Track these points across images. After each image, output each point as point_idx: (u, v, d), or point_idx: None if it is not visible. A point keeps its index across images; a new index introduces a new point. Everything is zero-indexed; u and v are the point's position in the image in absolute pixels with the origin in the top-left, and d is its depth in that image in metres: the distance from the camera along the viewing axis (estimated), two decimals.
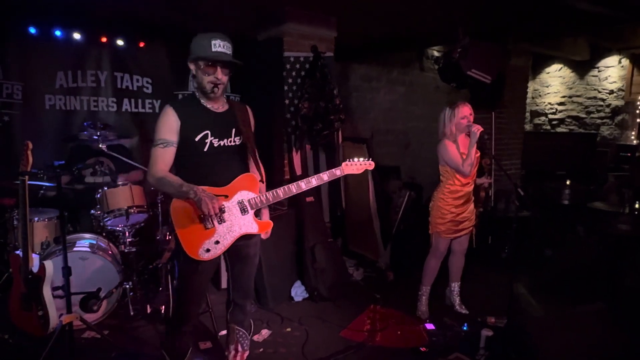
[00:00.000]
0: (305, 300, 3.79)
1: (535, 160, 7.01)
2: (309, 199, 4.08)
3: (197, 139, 2.17)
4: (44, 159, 3.92)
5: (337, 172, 2.38)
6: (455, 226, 3.34)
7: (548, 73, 8.24)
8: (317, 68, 4.12)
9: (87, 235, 3.55)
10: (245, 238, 2.33)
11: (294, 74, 4.20)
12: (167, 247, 2.30)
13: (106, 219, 3.46)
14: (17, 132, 4.14)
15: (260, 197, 2.28)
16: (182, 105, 2.19)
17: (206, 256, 2.17)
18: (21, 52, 4.07)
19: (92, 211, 3.63)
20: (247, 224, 2.28)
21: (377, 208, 4.68)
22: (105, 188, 3.46)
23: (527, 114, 8.47)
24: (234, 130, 2.28)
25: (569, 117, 7.92)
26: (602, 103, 7.42)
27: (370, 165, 2.46)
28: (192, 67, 2.16)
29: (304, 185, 2.32)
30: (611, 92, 7.25)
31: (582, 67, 7.58)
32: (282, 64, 4.16)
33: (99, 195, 3.49)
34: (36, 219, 3.49)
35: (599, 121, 7.47)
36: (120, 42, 4.38)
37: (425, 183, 5.75)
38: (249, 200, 2.26)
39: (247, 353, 2.67)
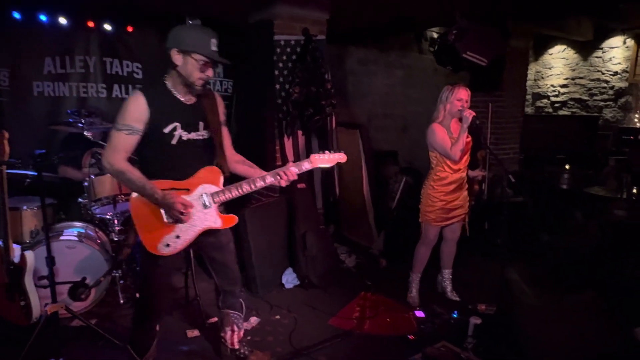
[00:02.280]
0: (296, 288, 3.78)
1: (535, 144, 6.90)
2: (301, 185, 4.03)
3: (166, 131, 2.10)
4: (33, 147, 3.92)
5: (306, 164, 2.30)
6: (446, 214, 3.28)
7: (551, 54, 8.06)
8: (308, 52, 4.02)
9: (77, 224, 3.53)
10: (213, 231, 2.28)
11: (284, 58, 4.11)
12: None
13: (94, 207, 3.44)
14: (4, 119, 4.09)
15: (223, 191, 2.20)
16: (153, 93, 2.09)
17: (166, 251, 2.13)
18: (6, 38, 4.00)
19: (80, 199, 3.60)
20: (210, 219, 2.21)
21: (371, 194, 4.63)
22: (93, 176, 3.42)
23: (529, 97, 8.33)
24: (202, 123, 2.21)
25: (571, 99, 7.77)
26: (605, 85, 7.26)
27: (342, 158, 2.36)
28: (178, 57, 2.06)
29: (270, 178, 2.23)
30: (615, 73, 7.08)
31: (586, 48, 7.40)
32: (272, 48, 4.06)
33: (86, 184, 3.46)
34: (25, 207, 3.46)
35: (602, 103, 7.32)
36: (108, 27, 4.29)
37: (424, 168, 5.64)
38: (211, 195, 2.19)
39: (242, 331, 2.70)
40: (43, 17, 4.01)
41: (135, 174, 2.06)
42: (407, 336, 2.96)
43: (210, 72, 2.10)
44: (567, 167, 5.45)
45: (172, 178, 2.13)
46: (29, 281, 2.55)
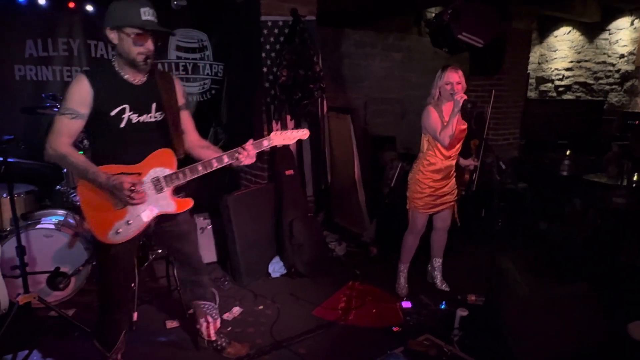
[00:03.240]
0: (282, 277, 3.69)
1: (537, 129, 6.72)
2: (289, 172, 3.92)
3: (112, 114, 1.98)
4: (17, 132, 3.83)
5: (265, 142, 2.17)
6: (434, 201, 3.16)
7: (556, 37, 7.82)
8: (296, 33, 3.87)
9: (60, 212, 3.44)
10: (170, 218, 2.18)
11: (272, 39, 3.96)
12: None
13: (72, 195, 3.35)
14: None
15: (177, 174, 2.08)
16: (98, 75, 1.99)
17: (117, 238, 2.03)
18: None
19: (59, 187, 3.51)
20: (163, 203, 2.10)
21: (362, 180, 4.51)
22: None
23: (533, 81, 8.12)
24: (154, 104, 2.09)
25: (576, 83, 7.55)
26: (611, 68, 7.03)
27: (304, 134, 2.25)
28: (113, 35, 1.95)
29: (226, 158, 2.11)
30: (622, 56, 6.85)
31: (592, 29, 7.16)
32: (259, 29, 3.91)
33: (65, 170, 3.36)
34: (4, 195, 3.39)
35: (607, 87, 7.11)
36: (89, 8, 4.15)
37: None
38: (164, 177, 2.07)
39: (218, 320, 2.62)
40: None
41: (77, 158, 1.97)
42: (392, 328, 2.87)
43: (149, 45, 1.95)
44: (567, 153, 5.28)
45: (123, 162, 2.02)
46: None
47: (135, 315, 2.90)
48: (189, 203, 2.17)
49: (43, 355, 2.62)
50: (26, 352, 2.57)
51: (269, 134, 4.05)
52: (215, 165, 2.10)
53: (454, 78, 2.95)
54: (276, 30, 3.97)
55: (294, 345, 2.72)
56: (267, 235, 3.79)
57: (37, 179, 3.75)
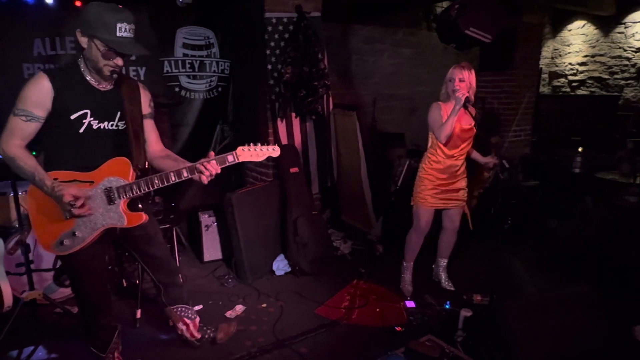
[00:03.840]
0: (286, 275, 3.68)
1: (550, 126, 6.59)
2: (294, 169, 3.90)
3: (73, 117, 1.89)
4: None
5: (230, 157, 2.00)
6: (438, 195, 3.10)
7: (570, 31, 7.65)
8: (301, 30, 3.84)
9: None
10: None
11: (276, 36, 3.94)
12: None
13: None
14: None
15: (131, 186, 1.97)
16: (61, 76, 1.88)
17: (59, 250, 1.94)
18: None
19: None
20: (113, 216, 1.98)
21: (369, 178, 4.47)
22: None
23: (546, 76, 7.97)
24: (119, 113, 2.01)
25: (590, 78, 7.38)
26: (627, 62, 6.86)
27: (273, 152, 2.07)
28: (83, 40, 1.85)
29: (186, 173, 1.98)
30: (638, 50, 6.68)
31: (608, 23, 6.98)
32: (263, 26, 3.89)
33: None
34: (12, 192, 3.43)
35: (622, 82, 6.93)
36: None
37: None
38: (117, 189, 1.97)
39: (197, 319, 2.58)
40: None
41: (27, 161, 1.87)
42: (395, 328, 2.84)
43: (118, 61, 1.87)
44: (580, 149, 5.16)
45: (77, 169, 1.94)
46: (0, 269, 2.50)
47: (138, 313, 2.92)
48: (142, 218, 2.04)
49: (48, 351, 2.66)
50: (31, 348, 2.61)
51: (274, 131, 4.09)
52: (173, 179, 1.99)
53: (457, 75, 2.91)
54: (280, 27, 3.94)
55: (296, 344, 2.71)
56: (272, 233, 3.78)
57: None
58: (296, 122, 4.16)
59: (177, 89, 4.73)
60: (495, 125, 5.70)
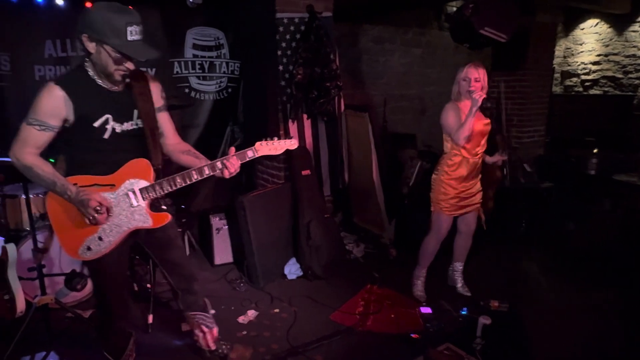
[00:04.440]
0: (299, 279, 3.64)
1: (564, 126, 6.49)
2: (305, 172, 3.85)
3: (96, 125, 1.86)
4: None
5: (249, 152, 2.01)
6: (459, 202, 3.04)
7: (582, 29, 7.54)
8: (312, 30, 3.79)
9: None
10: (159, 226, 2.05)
11: (288, 37, 3.89)
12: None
13: None
14: (7, 104, 4.04)
15: (153, 186, 1.94)
16: (73, 84, 1.82)
17: (88, 255, 1.90)
18: (4, 21, 3.90)
19: None
20: (139, 218, 1.95)
21: (381, 179, 4.41)
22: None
23: (558, 75, 7.86)
24: (135, 111, 1.97)
25: (603, 77, 7.27)
26: None
27: (291, 144, 2.10)
28: (91, 44, 1.78)
29: (207, 170, 1.98)
30: None
31: (621, 21, 6.86)
32: (274, 26, 3.84)
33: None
34: (24, 195, 3.41)
35: (637, 82, 6.81)
36: None
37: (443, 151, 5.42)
38: (140, 190, 1.94)
39: (215, 329, 2.52)
40: None
41: (44, 169, 1.82)
42: (411, 335, 2.78)
43: (130, 65, 1.82)
44: (595, 151, 5.07)
45: (101, 173, 1.91)
46: (12, 274, 2.48)
47: (150, 318, 2.89)
48: (167, 218, 2.03)
49: (60, 357, 2.63)
50: (44, 353, 2.58)
51: (285, 133, 4.05)
52: (195, 177, 1.97)
53: (473, 74, 2.84)
54: (292, 28, 3.89)
55: (311, 352, 2.66)
56: (284, 236, 3.74)
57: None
58: (307, 124, 4.11)
59: (187, 90, 4.70)
60: (498, 123, 5.61)
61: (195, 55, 4.78)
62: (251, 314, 3.09)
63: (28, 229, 3.32)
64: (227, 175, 1.99)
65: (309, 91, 3.84)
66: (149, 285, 3.24)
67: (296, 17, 3.87)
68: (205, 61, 4.84)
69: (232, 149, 2.01)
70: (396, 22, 6.30)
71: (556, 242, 4.27)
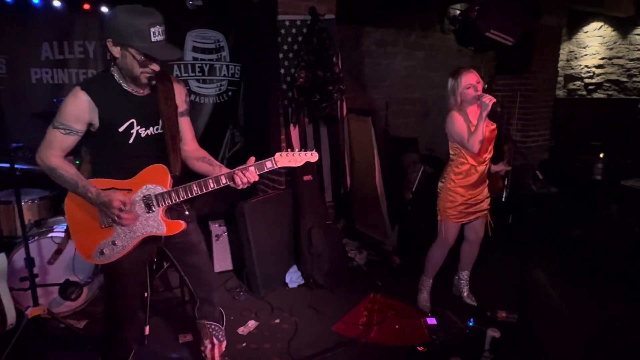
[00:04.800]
0: (300, 287, 3.54)
1: (568, 130, 6.41)
2: (307, 177, 3.76)
3: (121, 130, 1.86)
4: (36, 134, 3.80)
5: (268, 163, 1.94)
6: (467, 209, 2.95)
7: (586, 32, 7.47)
8: (315, 33, 3.71)
9: None
10: (182, 231, 2.01)
11: (289, 39, 3.81)
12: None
13: None
14: (3, 108, 3.97)
15: (169, 193, 1.92)
16: (99, 89, 1.83)
17: (101, 259, 1.90)
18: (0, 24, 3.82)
19: None
20: (153, 224, 1.93)
21: (383, 185, 4.33)
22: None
23: (561, 79, 7.78)
24: (160, 115, 1.95)
25: (607, 81, 7.19)
26: None
27: (312, 157, 2.02)
28: (115, 49, 1.77)
29: (224, 179, 1.92)
30: None
31: (626, 24, 6.80)
32: (276, 29, 3.76)
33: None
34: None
35: None
36: (104, 9, 4.05)
37: (445, 155, 5.32)
38: (156, 196, 1.92)
39: (224, 343, 2.45)
40: (35, 0, 3.80)
41: (68, 170, 1.85)
42: (417, 347, 2.69)
43: (155, 67, 1.81)
44: (601, 155, 4.98)
45: (122, 177, 1.91)
46: (2, 286, 2.39)
47: (147, 329, 2.79)
48: (180, 226, 1.99)
49: None
50: None
51: (286, 137, 3.96)
52: (212, 186, 1.93)
53: (473, 79, 2.76)
54: (294, 30, 3.81)
55: None
56: (285, 243, 3.65)
57: (54, 183, 3.68)
58: (309, 128, 4.03)
59: None
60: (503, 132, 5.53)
61: (195, 58, 4.70)
62: (251, 324, 2.99)
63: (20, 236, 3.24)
64: (240, 185, 1.93)
65: (311, 95, 3.75)
66: (145, 295, 3.15)
67: (298, 20, 3.80)
68: (205, 64, 4.76)
69: (252, 158, 1.96)
70: (399, 25, 6.23)
71: (563, 249, 4.18)
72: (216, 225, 3.75)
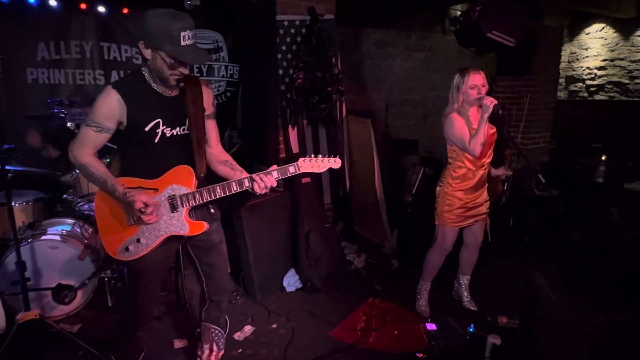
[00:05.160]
0: (298, 291, 3.49)
1: (569, 132, 6.37)
2: (305, 180, 3.71)
3: (147, 129, 1.90)
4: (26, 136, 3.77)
5: (291, 168, 1.99)
6: (465, 213, 2.90)
7: (588, 34, 7.42)
8: (314, 33, 3.66)
9: (69, 220, 3.30)
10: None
11: (288, 40, 3.76)
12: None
13: (80, 204, 3.22)
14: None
15: (194, 194, 1.96)
16: (129, 88, 1.89)
17: (125, 255, 1.95)
18: None
19: (65, 195, 3.38)
20: (176, 224, 1.98)
21: (383, 187, 4.28)
22: (78, 171, 3.19)
23: (562, 80, 7.74)
24: (187, 117, 1.99)
25: (609, 83, 7.14)
26: None
27: (335, 163, 2.04)
28: (147, 51, 1.82)
29: (247, 183, 1.96)
30: None
31: (627, 26, 6.75)
32: (274, 29, 3.72)
33: (72, 178, 3.23)
34: (12, 202, 3.27)
35: None
36: (101, 9, 4.02)
37: (446, 158, 5.27)
38: (180, 197, 1.96)
39: (222, 352, 2.44)
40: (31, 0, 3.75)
41: (98, 168, 1.91)
42: (416, 354, 2.64)
43: (184, 70, 1.86)
44: (603, 158, 4.94)
45: (148, 176, 1.96)
46: None
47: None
48: (203, 227, 2.03)
49: None
50: None
51: (284, 139, 3.92)
52: (234, 189, 1.97)
53: (479, 80, 2.71)
54: (293, 30, 3.77)
55: None
56: (282, 246, 3.59)
57: (48, 185, 3.65)
58: (308, 130, 3.99)
59: None
60: (505, 135, 5.49)
61: None
62: (247, 329, 2.94)
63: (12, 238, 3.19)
64: (258, 190, 1.96)
65: (310, 96, 3.71)
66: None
67: (297, 20, 3.75)
68: (204, 65, 4.71)
69: (274, 166, 1.99)
70: (399, 26, 6.18)
71: (564, 253, 4.13)
72: None
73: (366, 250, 4.17)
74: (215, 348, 2.36)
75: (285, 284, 3.51)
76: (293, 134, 3.89)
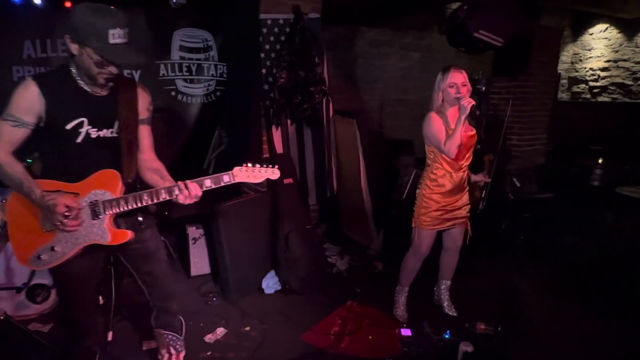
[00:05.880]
0: (276, 293, 3.44)
1: (570, 133, 6.23)
2: (287, 180, 3.67)
3: (68, 127, 1.78)
4: None
5: (225, 177, 1.87)
6: (442, 216, 2.82)
7: (591, 34, 7.27)
8: (297, 32, 3.61)
9: None
10: (138, 236, 1.95)
11: (272, 39, 3.72)
12: None
13: None
14: None
15: (118, 201, 1.84)
16: (51, 83, 1.77)
17: (36, 265, 1.82)
18: None
19: None
20: (97, 232, 1.84)
21: (370, 188, 4.21)
22: None
23: (565, 81, 7.60)
24: (117, 119, 1.89)
25: (612, 84, 6.98)
26: None
27: (273, 174, 1.94)
28: (73, 45, 1.72)
29: (177, 191, 1.84)
30: None
31: (632, 26, 6.60)
32: (258, 28, 3.67)
33: None
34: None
35: None
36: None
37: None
38: (103, 203, 1.83)
39: (182, 354, 2.35)
40: None
41: (15, 168, 1.77)
42: None
43: (112, 69, 1.76)
44: (600, 161, 4.81)
45: (69, 180, 1.82)
46: None
47: (110, 335, 2.71)
48: (127, 236, 1.90)
49: None
50: None
51: (268, 139, 3.87)
52: (163, 197, 1.85)
53: (459, 79, 2.63)
54: (276, 29, 3.72)
55: None
56: (262, 248, 3.55)
57: None
58: (292, 130, 3.94)
59: (173, 93, 4.54)
60: (493, 139, 5.39)
61: (182, 58, 4.62)
62: (220, 332, 2.90)
63: None
64: (181, 199, 1.85)
65: (293, 96, 3.66)
66: (102, 300, 3.06)
67: (281, 19, 3.71)
68: (193, 64, 4.67)
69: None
70: (394, 26, 6.11)
71: (554, 257, 4.03)
72: (193, 228, 3.67)
73: (350, 252, 4.10)
74: (173, 351, 2.28)
75: (264, 285, 3.46)
76: (277, 134, 3.84)
